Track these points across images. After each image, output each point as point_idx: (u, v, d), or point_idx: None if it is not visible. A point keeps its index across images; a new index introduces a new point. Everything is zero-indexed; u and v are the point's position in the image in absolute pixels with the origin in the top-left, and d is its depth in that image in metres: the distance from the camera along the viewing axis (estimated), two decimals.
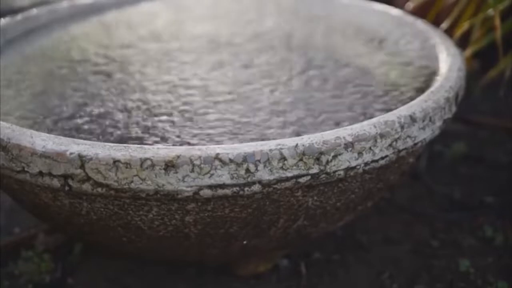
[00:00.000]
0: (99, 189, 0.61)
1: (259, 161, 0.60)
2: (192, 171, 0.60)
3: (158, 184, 0.60)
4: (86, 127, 0.73)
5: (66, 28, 0.99)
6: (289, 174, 0.62)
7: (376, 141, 0.65)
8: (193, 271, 0.84)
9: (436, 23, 0.99)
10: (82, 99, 0.79)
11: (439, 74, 0.78)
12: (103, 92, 0.81)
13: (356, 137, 0.63)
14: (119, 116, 0.75)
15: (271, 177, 0.61)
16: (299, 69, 0.86)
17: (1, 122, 0.66)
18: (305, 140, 0.62)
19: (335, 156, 0.63)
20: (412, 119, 0.67)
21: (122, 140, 0.70)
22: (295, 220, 0.69)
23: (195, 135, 0.70)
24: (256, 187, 0.62)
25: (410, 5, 1.15)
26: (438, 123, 0.71)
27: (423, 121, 0.68)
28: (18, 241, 0.89)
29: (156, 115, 0.75)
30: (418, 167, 1.05)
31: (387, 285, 0.82)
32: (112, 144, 0.61)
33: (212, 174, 0.60)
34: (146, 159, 0.60)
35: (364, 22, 0.99)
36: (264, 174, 0.61)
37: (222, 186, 0.61)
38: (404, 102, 0.73)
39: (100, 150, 0.61)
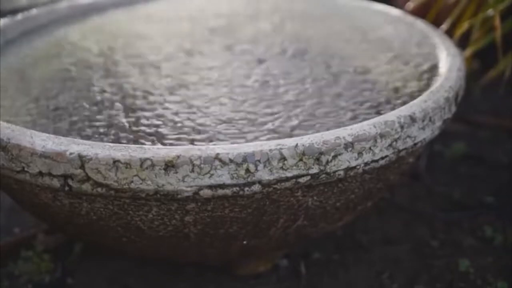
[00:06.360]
0: (99, 189, 0.61)
1: (259, 161, 0.60)
2: (192, 171, 0.60)
3: (158, 184, 0.60)
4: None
5: (65, 28, 0.99)
6: (289, 174, 0.62)
7: (376, 141, 0.65)
8: (193, 271, 0.84)
9: (436, 23, 0.99)
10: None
11: (439, 74, 0.78)
12: (104, 93, 0.81)
13: (356, 137, 0.63)
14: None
15: (271, 177, 0.61)
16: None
17: (1, 122, 0.66)
18: (305, 140, 0.62)
19: (335, 156, 0.63)
20: (412, 119, 0.67)
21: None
22: (295, 220, 0.69)
23: None
24: (256, 187, 0.62)
25: (410, 5, 1.15)
26: (438, 123, 0.71)
27: (423, 121, 0.68)
28: (18, 241, 0.89)
29: None
30: (418, 167, 1.05)
31: (387, 285, 0.82)
32: (112, 144, 0.61)
33: (212, 174, 0.60)
34: (146, 159, 0.60)
35: (364, 22, 0.99)
36: (264, 174, 0.61)
37: (222, 186, 0.61)
38: (404, 102, 0.73)
39: (100, 150, 0.61)
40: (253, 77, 0.83)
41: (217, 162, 0.60)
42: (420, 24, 0.94)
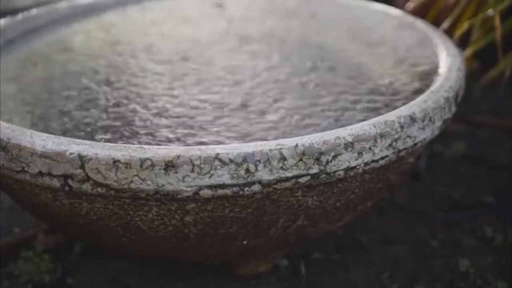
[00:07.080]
0: (99, 189, 0.61)
1: (259, 161, 0.60)
2: (192, 171, 0.60)
3: (158, 184, 0.60)
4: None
5: (65, 28, 0.99)
6: (289, 174, 0.62)
7: (376, 141, 0.65)
8: (193, 271, 0.84)
9: (436, 23, 0.99)
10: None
11: (439, 74, 0.78)
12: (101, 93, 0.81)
13: (356, 137, 0.63)
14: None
15: (271, 177, 0.61)
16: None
17: (1, 122, 0.66)
18: (305, 140, 0.62)
19: (335, 156, 0.63)
20: (412, 119, 0.67)
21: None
22: (295, 220, 0.69)
23: None
24: (256, 187, 0.62)
25: (410, 5, 1.15)
26: (438, 123, 0.71)
27: (423, 121, 0.68)
28: (18, 241, 0.89)
29: None
30: (418, 167, 1.05)
31: (387, 285, 0.82)
32: (112, 144, 0.61)
33: (212, 174, 0.60)
34: (146, 159, 0.60)
35: (364, 22, 0.99)
36: (264, 174, 0.61)
37: (222, 186, 0.61)
38: (404, 102, 0.73)
39: (100, 150, 0.61)
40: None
41: (217, 162, 0.60)
42: (420, 24, 0.94)
